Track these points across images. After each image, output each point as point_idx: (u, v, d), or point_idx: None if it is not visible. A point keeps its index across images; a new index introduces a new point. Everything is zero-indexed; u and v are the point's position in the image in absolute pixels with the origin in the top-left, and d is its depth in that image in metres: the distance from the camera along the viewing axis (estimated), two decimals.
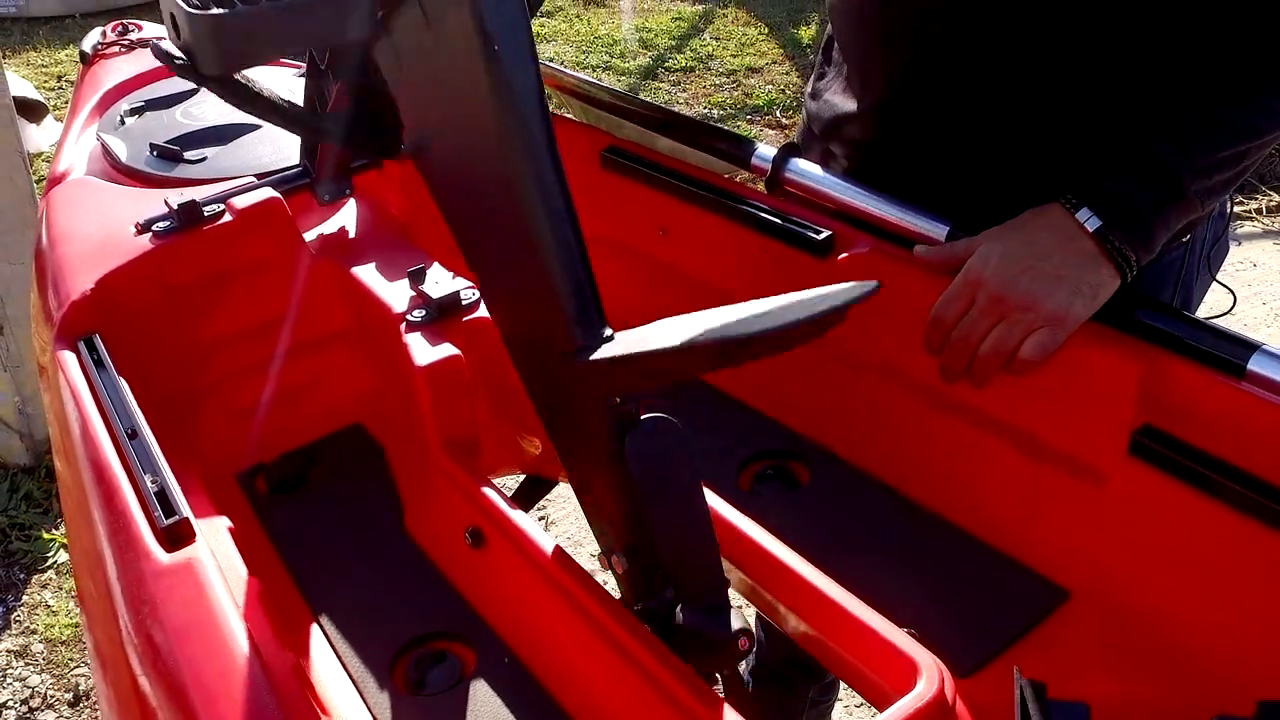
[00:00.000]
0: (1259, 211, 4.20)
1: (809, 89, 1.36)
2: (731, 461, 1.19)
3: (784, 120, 4.77)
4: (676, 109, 4.97)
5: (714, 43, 5.65)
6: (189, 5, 0.66)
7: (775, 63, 5.38)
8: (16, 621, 2.35)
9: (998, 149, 1.13)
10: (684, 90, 5.11)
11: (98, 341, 1.12)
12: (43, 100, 4.69)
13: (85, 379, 1.08)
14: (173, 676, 0.77)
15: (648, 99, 4.87)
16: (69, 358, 1.11)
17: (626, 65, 5.36)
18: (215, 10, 0.66)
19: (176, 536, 0.87)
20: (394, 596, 1.06)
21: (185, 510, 0.89)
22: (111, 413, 1.02)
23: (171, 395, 1.21)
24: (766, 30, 5.79)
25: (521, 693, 0.94)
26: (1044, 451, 1.05)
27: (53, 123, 4.77)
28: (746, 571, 0.92)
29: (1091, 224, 0.97)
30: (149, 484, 0.92)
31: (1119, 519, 1.00)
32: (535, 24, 5.95)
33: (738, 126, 4.71)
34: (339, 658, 1.00)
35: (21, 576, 2.46)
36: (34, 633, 2.32)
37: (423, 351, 1.10)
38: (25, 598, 2.40)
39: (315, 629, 1.03)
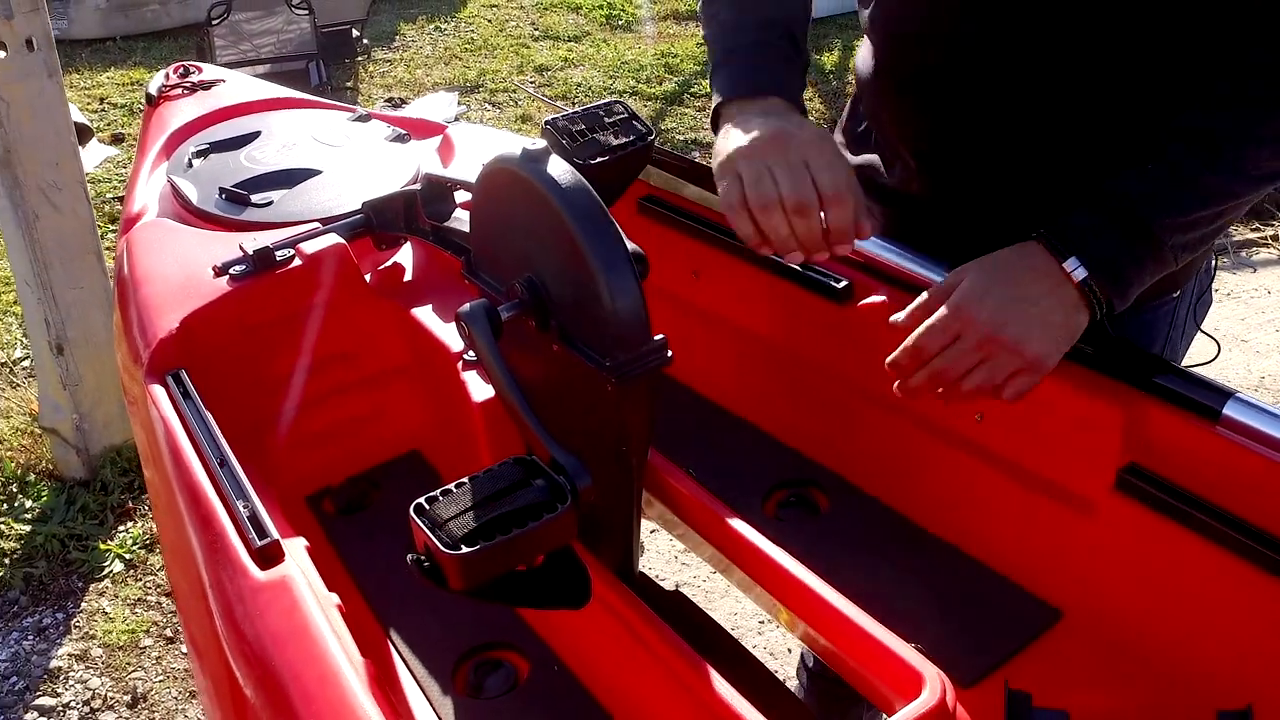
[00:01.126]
0: (1274, 238, 4.29)
1: (839, 141, 1.46)
2: (758, 489, 1.31)
3: None
4: (702, 134, 5.06)
5: None
6: (444, 546, 0.87)
7: None
8: (76, 627, 2.48)
9: (1023, 203, 1.22)
10: (709, 115, 5.22)
11: (184, 376, 1.24)
12: (88, 123, 4.84)
13: (175, 411, 1.20)
14: (273, 679, 0.89)
15: (674, 125, 4.94)
16: (159, 391, 1.23)
17: (653, 90, 5.48)
18: (463, 550, 0.87)
19: (269, 556, 0.99)
20: (453, 610, 1.17)
21: (275, 533, 1.01)
22: (202, 442, 1.13)
23: (247, 423, 1.33)
24: None
25: (571, 698, 1.05)
26: (1038, 484, 1.16)
27: (97, 145, 4.92)
28: (771, 591, 1.04)
29: (1078, 274, 1.05)
30: (241, 509, 1.04)
31: (1107, 547, 1.10)
32: (563, 49, 6.09)
33: None
34: (405, 664, 1.12)
35: (80, 585, 2.59)
36: (93, 638, 2.45)
37: (480, 389, 1.21)
38: (84, 604, 2.54)
39: (383, 638, 1.15)
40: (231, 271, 1.35)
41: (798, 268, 1.34)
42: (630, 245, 0.99)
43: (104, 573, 2.61)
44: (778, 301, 1.38)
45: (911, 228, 1.31)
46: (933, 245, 1.26)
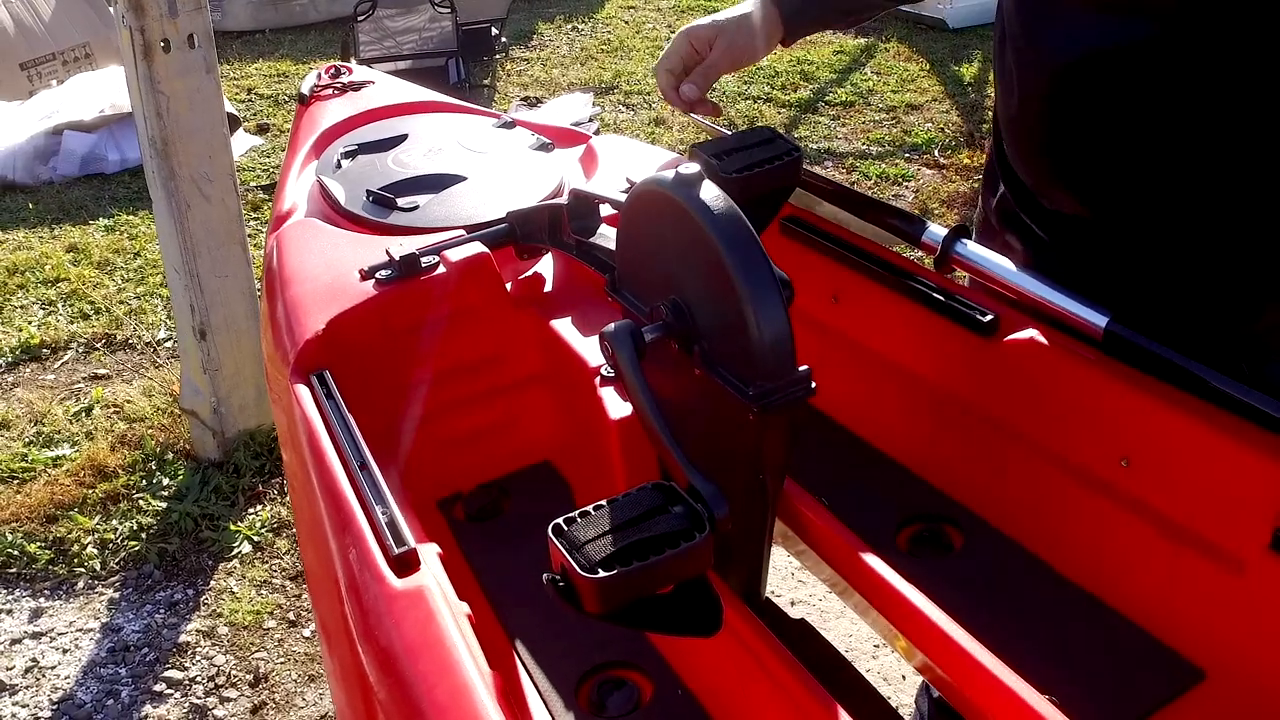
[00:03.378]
0: None
1: (996, 193, 1.46)
2: (890, 522, 1.28)
3: (942, 160, 4.80)
4: (835, 143, 5.02)
5: (874, 78, 5.70)
6: (581, 569, 0.87)
7: (935, 100, 5.41)
8: (204, 604, 2.56)
9: (1177, 255, 1.25)
10: (843, 125, 5.17)
11: (328, 377, 1.27)
12: (236, 113, 5.01)
13: (319, 410, 1.22)
14: (406, 689, 0.90)
15: (808, 133, 4.91)
16: (304, 391, 1.26)
17: (787, 97, 5.45)
18: (600, 574, 0.86)
19: (405, 564, 1.00)
20: (578, 625, 1.18)
21: (412, 540, 1.02)
22: (344, 445, 1.16)
23: (384, 424, 1.36)
24: (928, 66, 5.81)
25: None
26: (1186, 537, 1.12)
27: (243, 134, 5.08)
28: (903, 631, 1.02)
29: None
30: (380, 515, 1.06)
31: (1259, 609, 1.06)
32: None
33: (895, 164, 4.76)
34: (529, 676, 1.13)
35: (209, 563, 2.68)
36: (220, 616, 2.53)
37: (616, 406, 1.22)
38: (213, 583, 2.62)
39: (509, 648, 1.16)
40: (378, 276, 1.38)
41: (940, 297, 1.32)
42: (777, 272, 0.98)
43: (233, 553, 2.70)
44: (919, 331, 1.35)
45: (1072, 253, 1.31)
46: (1097, 268, 1.27)
